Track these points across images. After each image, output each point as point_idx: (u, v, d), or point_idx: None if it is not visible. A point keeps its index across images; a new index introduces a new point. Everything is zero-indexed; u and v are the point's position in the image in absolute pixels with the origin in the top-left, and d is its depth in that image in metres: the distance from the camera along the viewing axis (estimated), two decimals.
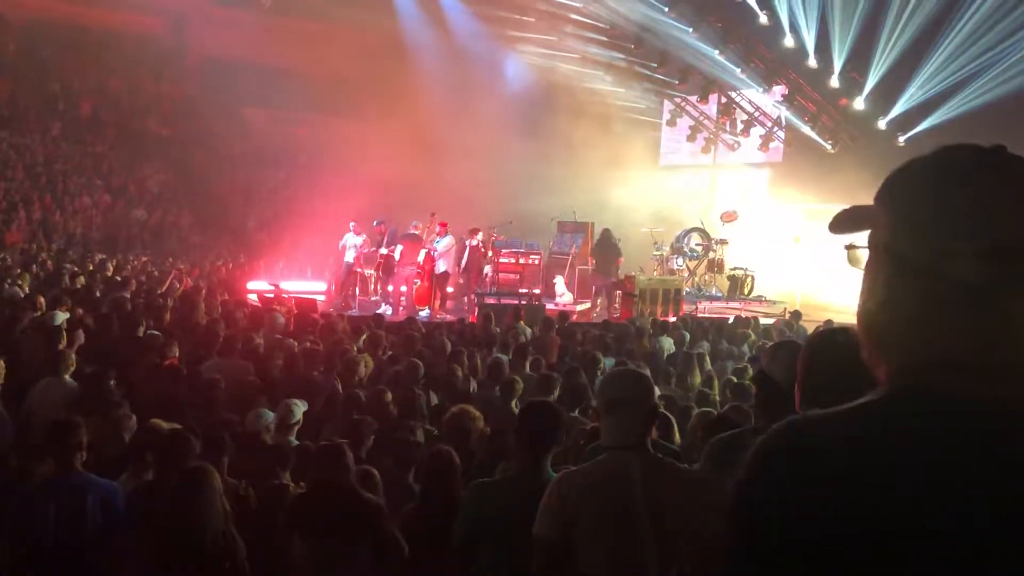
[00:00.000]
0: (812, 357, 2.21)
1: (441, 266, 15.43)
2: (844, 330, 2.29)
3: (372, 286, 16.96)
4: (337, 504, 4.01)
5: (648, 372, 7.29)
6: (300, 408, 5.52)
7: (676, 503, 2.70)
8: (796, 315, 13.63)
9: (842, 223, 1.18)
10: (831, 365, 2.09)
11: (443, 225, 15.63)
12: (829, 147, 22.35)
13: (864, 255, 1.13)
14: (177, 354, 7.58)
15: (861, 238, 1.16)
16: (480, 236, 16.76)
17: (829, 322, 12.27)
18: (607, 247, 18.26)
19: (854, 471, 0.93)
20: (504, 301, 15.04)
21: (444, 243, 15.47)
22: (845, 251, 1.21)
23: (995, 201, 0.99)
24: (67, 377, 6.42)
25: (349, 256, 16.05)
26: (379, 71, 22.43)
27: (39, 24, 25.33)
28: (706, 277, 19.68)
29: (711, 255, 19.63)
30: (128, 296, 11.30)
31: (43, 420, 5.22)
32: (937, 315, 1.00)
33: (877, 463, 0.94)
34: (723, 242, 19.74)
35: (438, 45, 22.67)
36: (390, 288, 16.01)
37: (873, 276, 1.09)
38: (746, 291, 19.22)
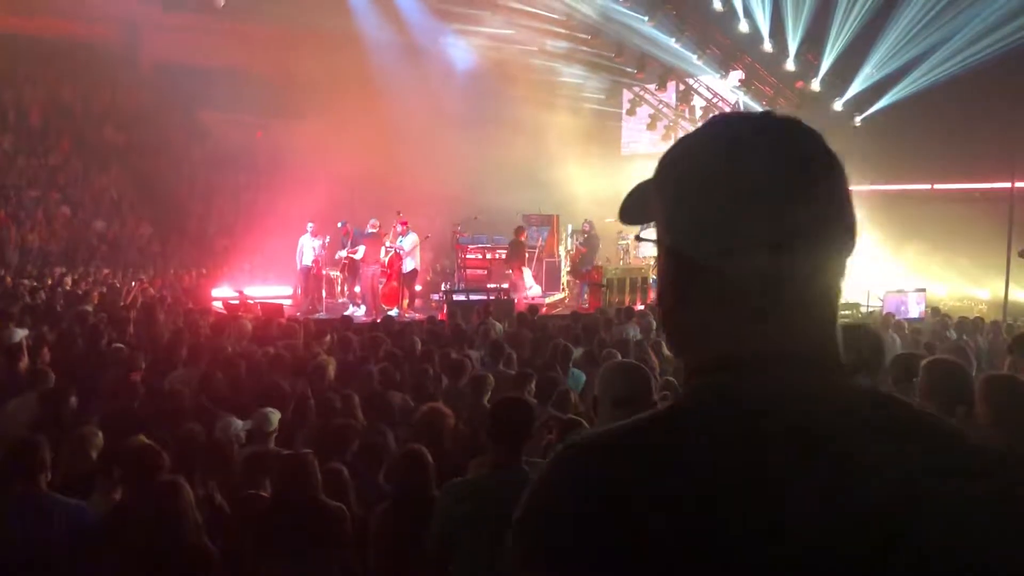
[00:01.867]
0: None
1: (409, 264, 15.37)
2: None
3: (339, 288, 16.85)
4: (301, 518, 3.96)
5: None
6: (276, 416, 5.45)
7: None
8: None
9: (628, 212, 1.08)
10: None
11: (404, 224, 15.55)
12: None
13: (654, 248, 1.04)
14: (143, 366, 7.46)
15: (651, 229, 1.07)
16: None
17: None
18: (593, 239, 18.39)
19: (642, 487, 0.86)
20: (473, 298, 15.02)
21: (409, 241, 15.40)
22: (634, 244, 1.11)
23: (766, 186, 0.92)
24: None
25: (307, 259, 15.89)
26: (336, 71, 22.23)
27: None
28: None
29: None
30: (90, 310, 11.12)
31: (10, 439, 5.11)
32: (724, 313, 0.94)
33: (667, 474, 0.87)
34: None
35: (394, 42, 22.55)
36: (357, 289, 15.91)
37: (662, 274, 1.02)
38: None
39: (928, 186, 21.16)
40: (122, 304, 12.57)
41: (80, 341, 8.70)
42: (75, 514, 4.05)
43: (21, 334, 8.58)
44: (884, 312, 14.94)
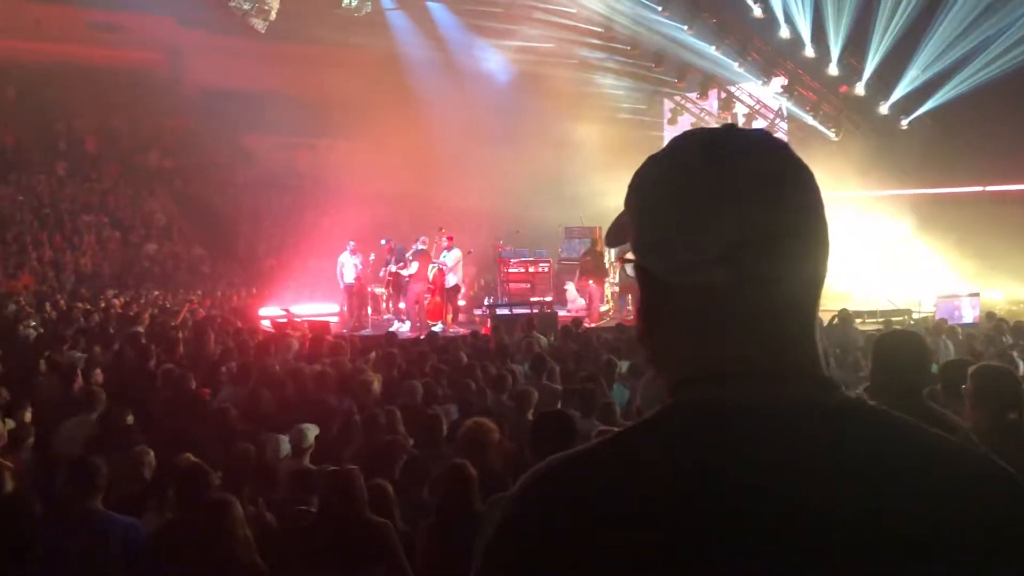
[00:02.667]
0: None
1: (451, 280, 15.44)
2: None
3: (384, 304, 16.98)
4: (347, 534, 3.96)
5: None
6: (312, 431, 5.51)
7: None
8: None
9: (611, 235, 1.08)
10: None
11: (450, 239, 15.66)
12: (832, 135, 22.30)
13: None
14: (193, 386, 7.59)
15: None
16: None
17: (844, 311, 12.21)
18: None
19: (616, 506, 0.85)
20: (516, 311, 15.03)
21: (452, 257, 15.49)
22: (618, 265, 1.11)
23: (720, 199, 0.91)
24: (94, 416, 6.46)
25: (349, 276, 16.06)
26: (378, 90, 22.50)
27: (37, 67, 25.53)
28: None
29: None
30: (141, 331, 11.35)
31: (67, 460, 5.24)
32: (694, 329, 0.94)
33: (642, 487, 0.86)
34: None
35: (433, 59, 22.76)
36: (402, 305, 16.02)
37: (638, 293, 1.02)
38: None
39: (980, 188, 20.70)
40: (172, 325, 12.80)
41: (132, 362, 8.88)
42: (130, 532, 4.13)
43: (76, 355, 8.78)
44: (936, 317, 14.63)
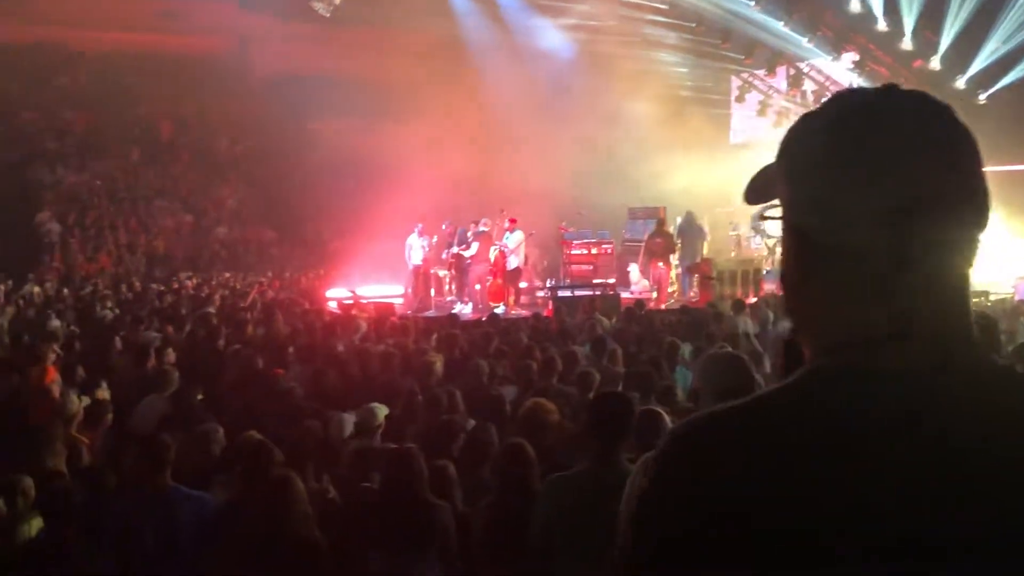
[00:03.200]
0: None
1: (513, 262, 15.45)
2: None
3: (447, 286, 17.10)
4: (405, 513, 4.01)
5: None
6: (382, 411, 5.59)
7: None
8: None
9: (754, 191, 1.07)
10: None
11: (512, 221, 15.64)
12: None
13: (778, 226, 1.03)
14: (261, 365, 7.77)
15: (775, 207, 1.05)
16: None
17: None
18: (692, 230, 18.03)
19: (767, 463, 0.86)
20: (578, 293, 14.99)
21: (515, 238, 15.49)
22: (758, 223, 1.09)
23: (886, 159, 0.90)
24: (166, 395, 6.68)
25: (416, 258, 16.20)
26: (441, 72, 22.56)
27: (111, 55, 26.26)
28: None
29: None
30: (212, 312, 11.64)
31: (139, 436, 5.43)
32: (847, 291, 0.93)
33: (792, 451, 0.86)
34: None
35: (497, 41, 22.71)
36: (464, 287, 16.11)
37: (785, 253, 1.01)
38: None
39: None
40: (242, 306, 13.11)
41: (203, 342, 9.12)
42: (198, 506, 4.27)
43: (152, 336, 9.06)
44: (1016, 299, 14.14)
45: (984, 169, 0.94)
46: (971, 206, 0.92)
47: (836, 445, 0.85)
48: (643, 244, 17.10)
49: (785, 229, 1.00)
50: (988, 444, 0.84)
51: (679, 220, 19.32)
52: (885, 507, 0.82)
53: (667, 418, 4.36)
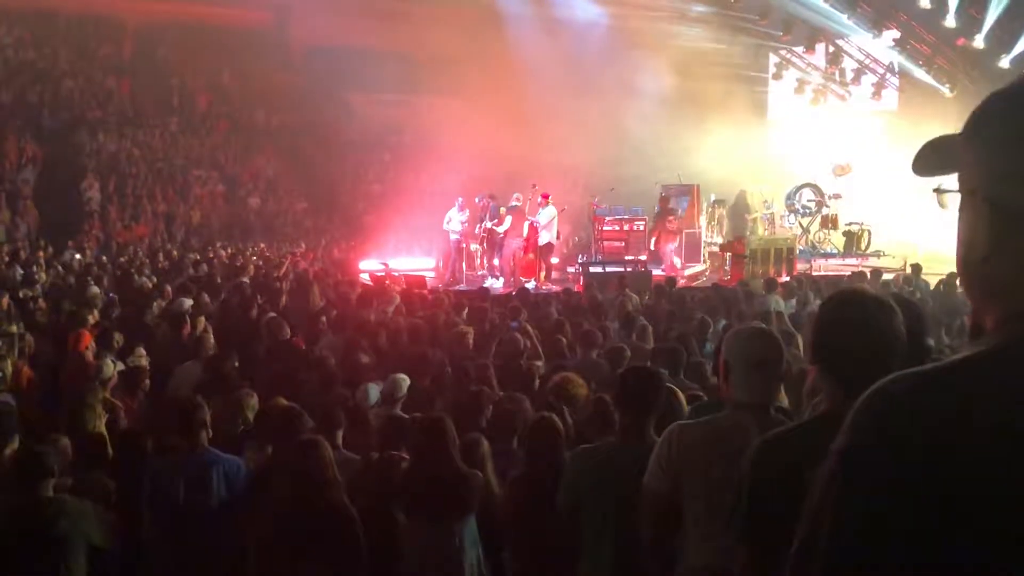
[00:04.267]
0: (824, 324, 2.15)
1: (544, 237, 15.44)
2: (854, 292, 2.22)
3: (478, 260, 17.15)
4: (440, 480, 4.06)
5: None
6: (405, 382, 5.66)
7: None
8: (916, 268, 13.06)
9: (927, 164, 1.09)
10: (845, 329, 2.07)
11: (545, 196, 15.61)
12: (947, 91, 21.21)
13: (956, 199, 1.04)
14: (289, 334, 7.87)
15: (951, 180, 1.07)
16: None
17: (952, 274, 11.71)
18: (739, 208, 18.00)
19: (969, 426, 0.87)
20: (609, 269, 14.97)
21: (547, 214, 15.46)
22: (934, 195, 1.12)
23: None
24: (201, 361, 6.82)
25: (455, 231, 16.23)
26: (477, 46, 22.47)
27: (153, 25, 26.50)
28: (820, 234, 19.05)
29: (824, 211, 18.97)
30: (247, 281, 11.79)
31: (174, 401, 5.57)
32: None
33: (993, 415, 0.87)
34: (837, 196, 19.03)
35: (533, 14, 22.56)
36: (496, 262, 16.15)
37: (971, 224, 1.00)
38: (863, 247, 18.52)
39: None
40: (276, 276, 13.26)
41: (237, 310, 9.25)
42: (231, 468, 4.38)
43: (187, 303, 9.21)
44: None
45: None
46: None
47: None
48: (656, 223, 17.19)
49: (970, 202, 1.01)
50: None
51: (712, 197, 19.20)
52: None
53: (681, 396, 4.38)
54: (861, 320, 2.04)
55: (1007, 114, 0.98)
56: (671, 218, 16.94)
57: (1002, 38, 19.45)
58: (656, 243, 16.86)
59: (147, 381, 6.51)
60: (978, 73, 20.31)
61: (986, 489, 0.84)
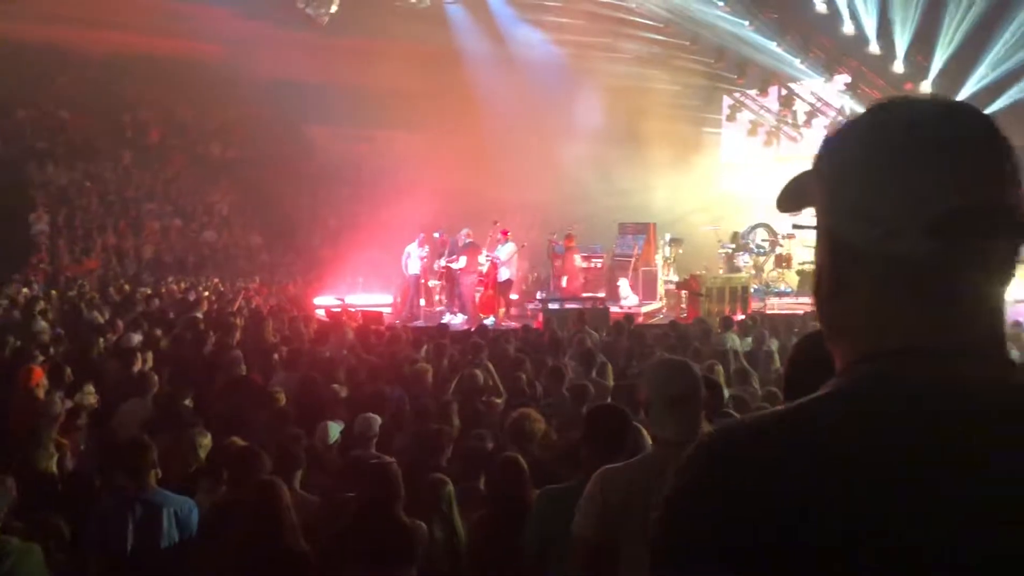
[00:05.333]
0: (799, 362, 2.12)
1: (504, 273, 15.45)
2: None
3: (437, 296, 17.08)
4: (382, 530, 3.92)
5: (720, 373, 7.20)
6: (377, 421, 5.55)
7: None
8: None
9: (786, 199, 1.06)
10: (816, 363, 2.03)
11: (504, 233, 15.67)
12: None
13: (812, 235, 1.02)
14: (244, 371, 7.71)
15: (808, 216, 1.05)
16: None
17: None
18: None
19: (802, 471, 0.83)
20: (568, 306, 14.99)
21: (507, 250, 15.49)
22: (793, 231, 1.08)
23: (934, 169, 0.89)
24: (149, 399, 6.63)
25: (414, 267, 16.16)
26: (437, 83, 22.63)
27: (108, 57, 26.20)
28: (774, 273, 19.31)
29: (778, 250, 19.25)
30: (200, 316, 11.57)
31: (122, 440, 5.38)
32: (889, 299, 0.91)
33: (828, 458, 0.83)
34: (790, 236, 19.33)
35: (492, 53, 22.79)
36: (455, 298, 16.10)
37: (822, 259, 0.99)
38: None
39: None
40: (229, 311, 13.04)
41: (190, 346, 9.06)
42: (184, 510, 4.23)
43: (136, 339, 8.99)
44: (1011, 321, 14.21)
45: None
46: (1015, 220, 0.91)
47: (878, 458, 0.83)
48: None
49: (821, 237, 0.99)
50: (1005, 468, 0.82)
51: (668, 236, 19.41)
52: (916, 522, 0.80)
53: (646, 434, 4.33)
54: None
55: (843, 151, 0.97)
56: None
57: (948, 85, 20.06)
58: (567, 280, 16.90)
59: (83, 419, 6.30)
60: None
61: (802, 542, 0.81)
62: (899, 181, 0.90)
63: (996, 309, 0.92)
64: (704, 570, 0.85)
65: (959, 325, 0.90)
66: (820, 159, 1.00)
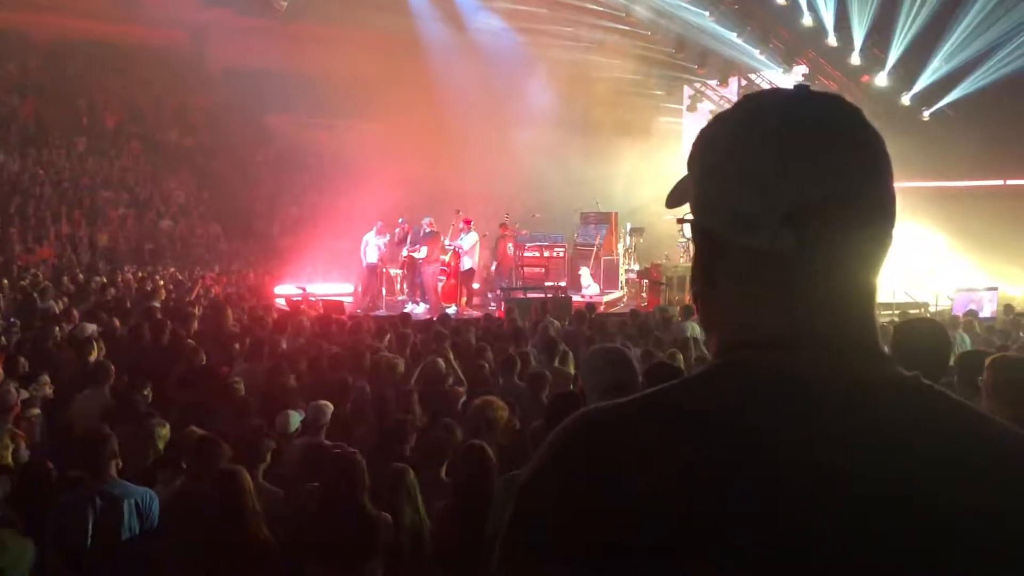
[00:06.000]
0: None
1: (466, 263, 15.45)
2: None
3: (398, 285, 17.02)
4: (345, 521, 3.92)
5: (680, 360, 7.29)
6: (329, 408, 5.54)
7: None
8: None
9: (671, 195, 1.07)
10: None
11: (467, 222, 15.66)
12: None
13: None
14: (204, 361, 7.64)
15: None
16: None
17: None
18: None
19: (654, 457, 0.83)
20: (530, 295, 15.03)
21: (469, 240, 15.49)
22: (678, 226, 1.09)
23: (794, 159, 0.89)
24: (106, 389, 6.54)
25: (372, 256, 16.10)
26: (397, 71, 22.48)
27: (62, 42, 25.67)
28: None
29: None
30: (157, 306, 11.41)
31: (82, 431, 5.30)
32: (750, 293, 0.92)
33: (679, 445, 0.83)
34: None
35: (453, 41, 22.69)
36: (416, 287, 16.07)
37: (695, 253, 1.00)
38: None
39: (1001, 181, 20.50)
40: (187, 300, 12.87)
41: (148, 336, 8.93)
42: (145, 501, 4.19)
43: (91, 329, 8.84)
44: (953, 311, 14.54)
45: (891, 171, 0.93)
46: (879, 211, 0.91)
47: (713, 454, 0.82)
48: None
49: (694, 232, 0.99)
50: (851, 463, 0.82)
51: (628, 225, 19.54)
52: (742, 522, 0.80)
53: None
54: None
55: (711, 144, 0.97)
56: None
57: (903, 76, 20.44)
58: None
59: (36, 410, 6.20)
60: (881, 108, 21.23)
61: (634, 541, 0.80)
62: (759, 173, 0.90)
63: (861, 299, 0.92)
64: (541, 565, 0.85)
65: (817, 315, 0.90)
66: (692, 153, 1.00)
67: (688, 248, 19.36)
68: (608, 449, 0.86)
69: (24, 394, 6.24)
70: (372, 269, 16.22)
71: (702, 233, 0.97)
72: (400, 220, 16.47)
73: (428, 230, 15.49)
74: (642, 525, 0.81)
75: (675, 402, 0.89)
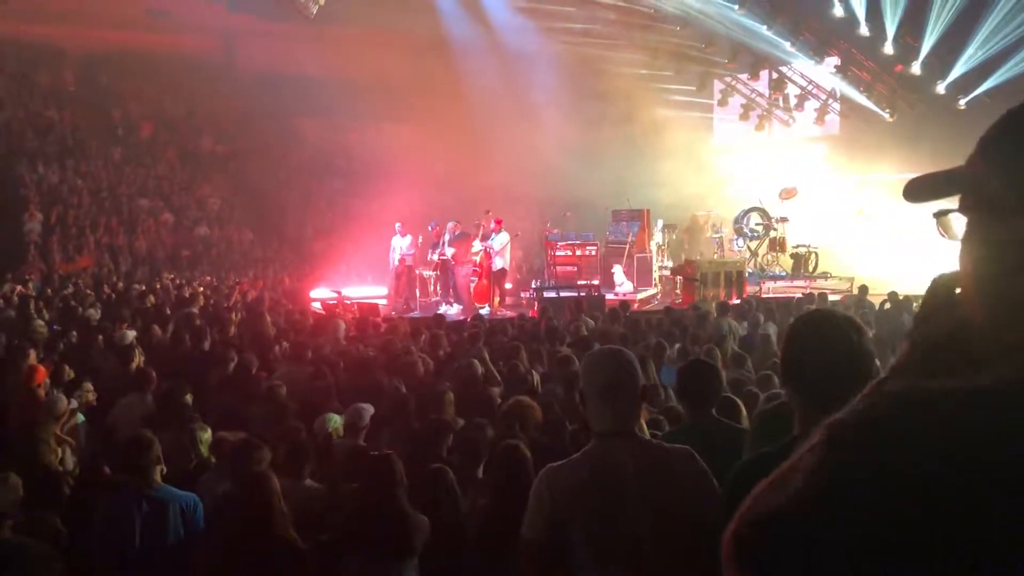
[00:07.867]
0: (797, 343, 2.16)
1: (498, 263, 15.48)
2: (826, 312, 2.29)
3: (432, 287, 17.10)
4: (382, 520, 3.95)
5: (718, 357, 7.24)
6: (368, 411, 5.59)
7: (670, 485, 2.57)
8: (864, 289, 13.31)
9: (920, 191, 1.03)
10: (819, 347, 2.09)
11: (498, 222, 15.68)
12: (887, 115, 21.84)
13: (958, 222, 0.98)
14: (247, 365, 7.73)
15: (948, 204, 1.01)
16: None
17: (893, 293, 11.96)
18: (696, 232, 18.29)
19: (960, 461, 0.76)
20: (563, 295, 15.03)
21: (500, 240, 15.52)
22: (934, 219, 1.05)
23: None
24: (148, 395, 6.65)
25: (395, 259, 16.30)
26: (425, 73, 22.56)
27: (95, 54, 26.09)
28: (768, 257, 19.35)
29: (772, 234, 19.28)
30: (196, 312, 11.57)
31: (124, 437, 5.40)
32: None
33: (989, 460, 0.76)
34: (784, 220, 19.36)
35: (482, 42, 22.71)
36: (449, 288, 16.16)
37: (982, 243, 0.94)
38: (810, 268, 18.85)
39: None
40: (226, 306, 13.04)
41: (187, 341, 9.06)
42: (189, 506, 4.26)
43: (131, 336, 9.00)
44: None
45: None
46: None
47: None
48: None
49: (986, 218, 0.94)
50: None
51: (660, 222, 19.46)
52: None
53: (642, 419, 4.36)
54: (835, 338, 2.06)
55: None
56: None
57: (937, 65, 20.12)
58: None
59: (78, 418, 6.32)
60: (916, 98, 20.97)
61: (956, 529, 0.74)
62: None
63: None
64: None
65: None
66: (997, 143, 0.96)
67: (722, 244, 19.26)
68: (928, 430, 0.80)
69: (74, 402, 6.37)
70: (396, 272, 16.39)
71: (1015, 222, 0.90)
72: (431, 224, 16.55)
73: (456, 232, 15.60)
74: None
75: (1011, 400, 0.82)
